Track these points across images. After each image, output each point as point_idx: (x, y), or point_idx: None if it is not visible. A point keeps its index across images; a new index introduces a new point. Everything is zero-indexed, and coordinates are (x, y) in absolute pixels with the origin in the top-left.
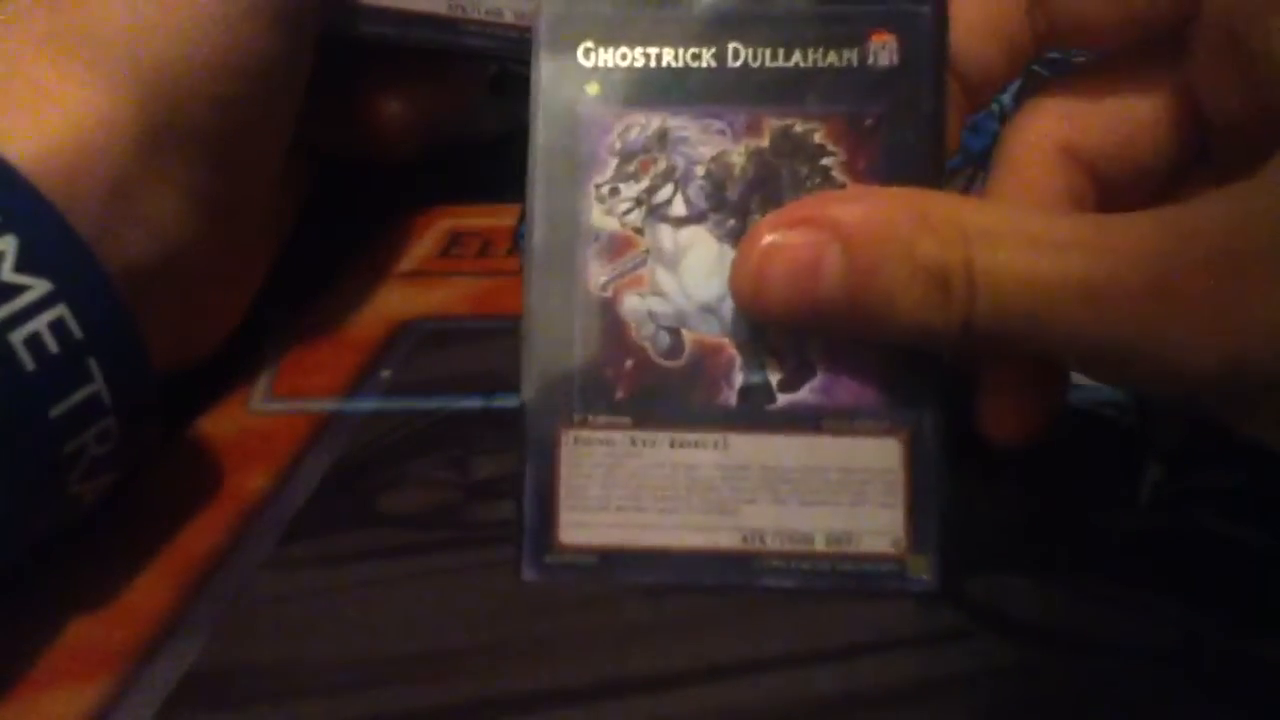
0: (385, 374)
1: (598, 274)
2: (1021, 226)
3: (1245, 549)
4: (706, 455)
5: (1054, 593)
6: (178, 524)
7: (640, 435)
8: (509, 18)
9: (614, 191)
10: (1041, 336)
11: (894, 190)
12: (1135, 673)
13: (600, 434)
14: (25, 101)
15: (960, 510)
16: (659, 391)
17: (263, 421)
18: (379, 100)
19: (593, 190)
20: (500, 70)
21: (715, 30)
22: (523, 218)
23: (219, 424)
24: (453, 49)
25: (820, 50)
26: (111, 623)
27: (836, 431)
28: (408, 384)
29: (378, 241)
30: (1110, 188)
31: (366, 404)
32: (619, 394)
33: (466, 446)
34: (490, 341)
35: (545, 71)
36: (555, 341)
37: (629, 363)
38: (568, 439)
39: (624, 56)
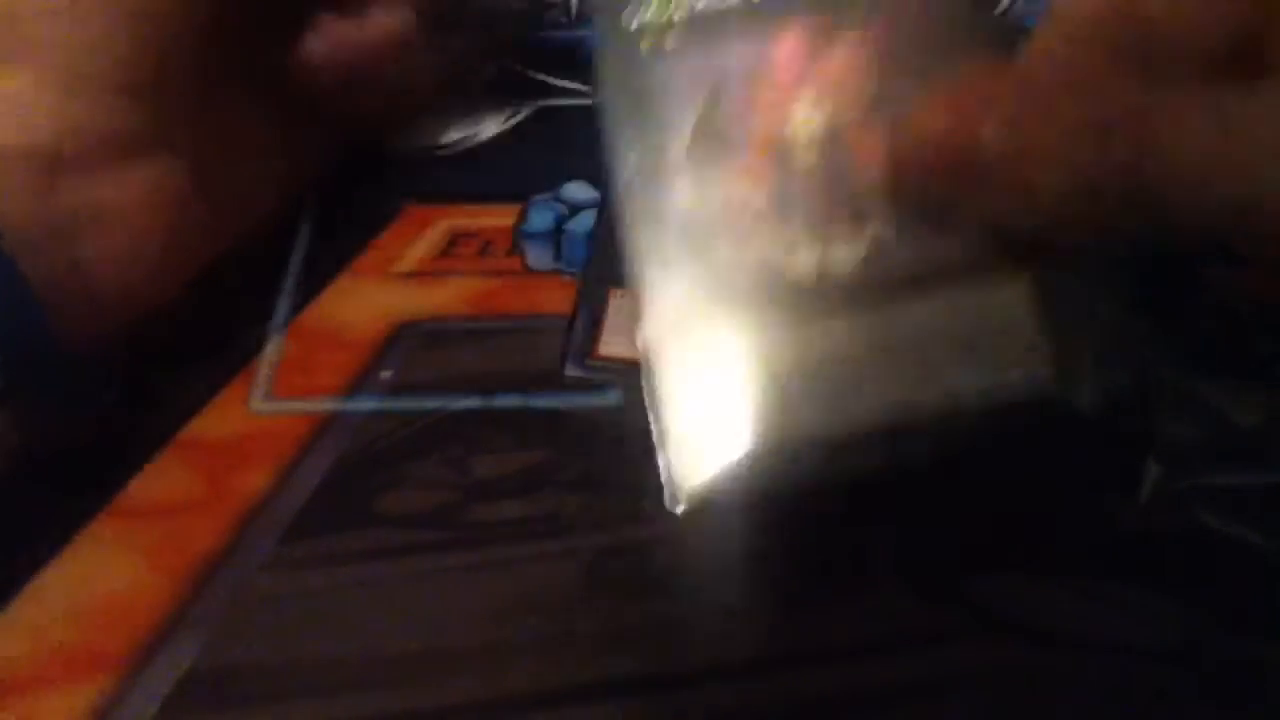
0: (385, 374)
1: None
2: (1187, 93)
3: (1245, 549)
4: (838, 337)
5: (1054, 593)
6: (178, 524)
7: (767, 324)
8: None
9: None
10: (1215, 198)
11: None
12: (1135, 673)
13: (725, 337)
14: None
15: (1107, 340)
16: (771, 288)
17: (263, 421)
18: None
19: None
20: (500, 70)
21: None
22: (523, 216)
23: (219, 424)
24: None
25: None
26: (111, 623)
27: (960, 286)
28: (408, 384)
29: (378, 241)
30: (1161, 57)
31: (366, 404)
32: (741, 292)
33: (466, 446)
34: (490, 341)
35: (603, 41)
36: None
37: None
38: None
39: (664, 7)
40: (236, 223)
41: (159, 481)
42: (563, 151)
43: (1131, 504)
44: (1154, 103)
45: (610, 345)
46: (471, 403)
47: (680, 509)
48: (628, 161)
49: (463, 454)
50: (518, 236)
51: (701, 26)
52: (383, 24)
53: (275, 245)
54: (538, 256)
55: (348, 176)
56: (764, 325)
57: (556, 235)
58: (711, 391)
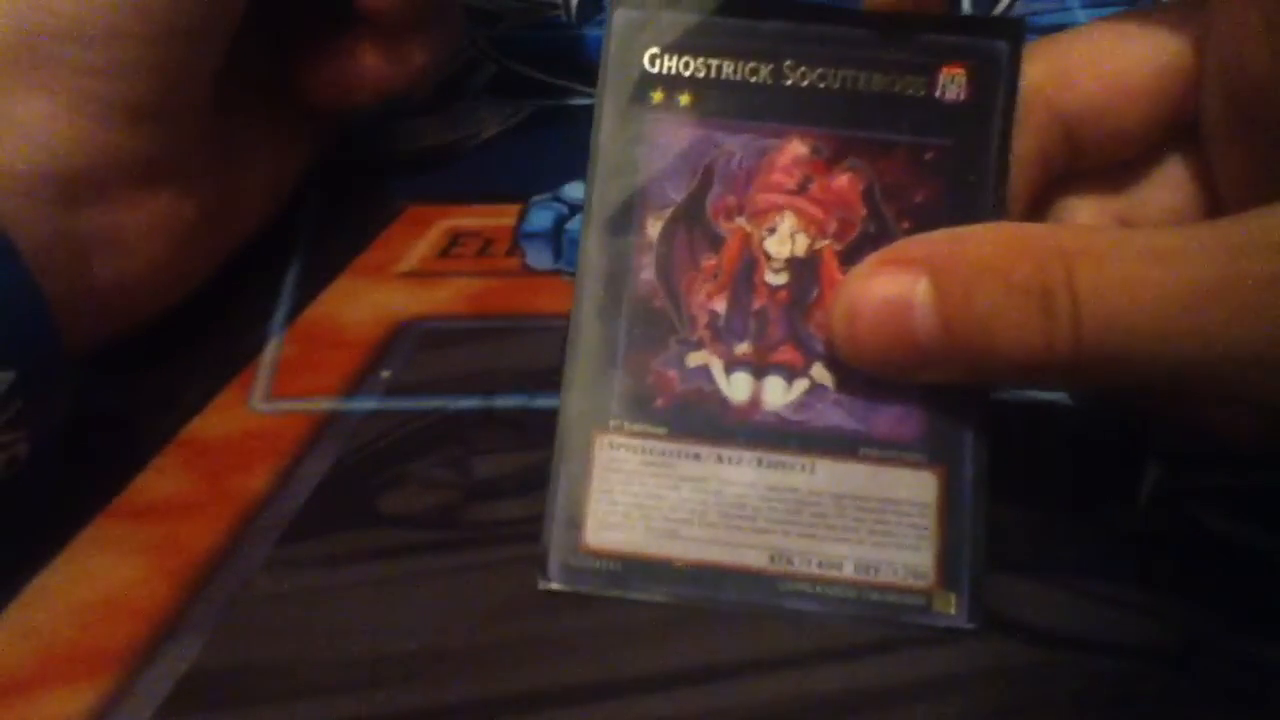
0: (385, 374)
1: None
2: (1120, 240)
3: (1245, 549)
4: (740, 473)
5: (1054, 593)
6: (178, 524)
7: (675, 447)
8: None
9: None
10: (1156, 350)
11: (983, 225)
12: (1135, 673)
13: (636, 441)
14: None
15: (989, 550)
16: (698, 403)
17: (263, 421)
18: (358, 50)
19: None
20: (500, 70)
21: (777, 47)
22: (523, 216)
23: (219, 424)
24: None
25: (886, 77)
26: (111, 623)
27: (874, 460)
28: (408, 384)
29: (378, 241)
30: (1085, 149)
31: (366, 404)
32: (658, 402)
33: (466, 446)
34: (490, 341)
35: (612, 75)
36: (599, 345)
37: (671, 372)
38: (603, 444)
39: (686, 66)
40: (240, 233)
41: (159, 481)
42: (563, 151)
43: (1131, 504)
44: (1083, 242)
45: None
46: (471, 403)
47: (545, 586)
48: (597, 212)
49: (463, 454)
50: (518, 236)
51: (720, 94)
52: (423, 61)
53: (275, 245)
54: (538, 256)
55: (348, 176)
56: (677, 440)
57: (556, 235)
58: (605, 491)
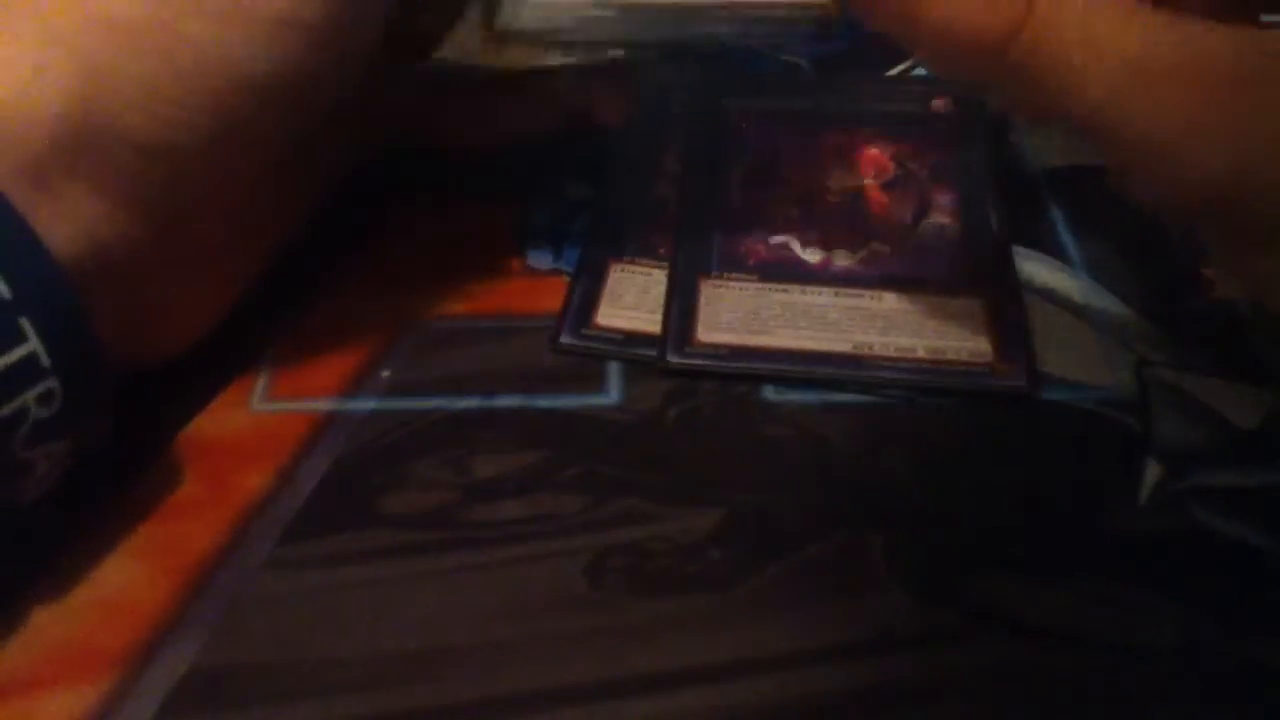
0: (385, 374)
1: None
2: None
3: (1245, 549)
4: (822, 297)
5: (1054, 593)
6: (178, 524)
7: (766, 285)
8: None
9: None
10: (1079, 86)
11: None
12: (1135, 673)
13: (734, 284)
14: None
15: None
16: (782, 262)
17: (263, 421)
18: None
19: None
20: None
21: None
22: (523, 216)
23: (219, 424)
24: None
25: (893, 104)
26: (111, 623)
27: (931, 292)
28: (408, 384)
29: (378, 241)
30: None
31: (366, 404)
32: (750, 261)
33: (466, 446)
34: (490, 341)
35: None
36: (702, 219)
37: (759, 245)
38: (706, 286)
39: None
40: (265, 251)
41: (159, 481)
42: (563, 151)
43: (1131, 504)
44: None
45: (608, 316)
46: (471, 403)
47: (665, 365)
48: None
49: (463, 454)
50: (518, 236)
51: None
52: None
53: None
54: (538, 256)
55: (348, 177)
56: (767, 282)
57: (556, 235)
58: (711, 309)
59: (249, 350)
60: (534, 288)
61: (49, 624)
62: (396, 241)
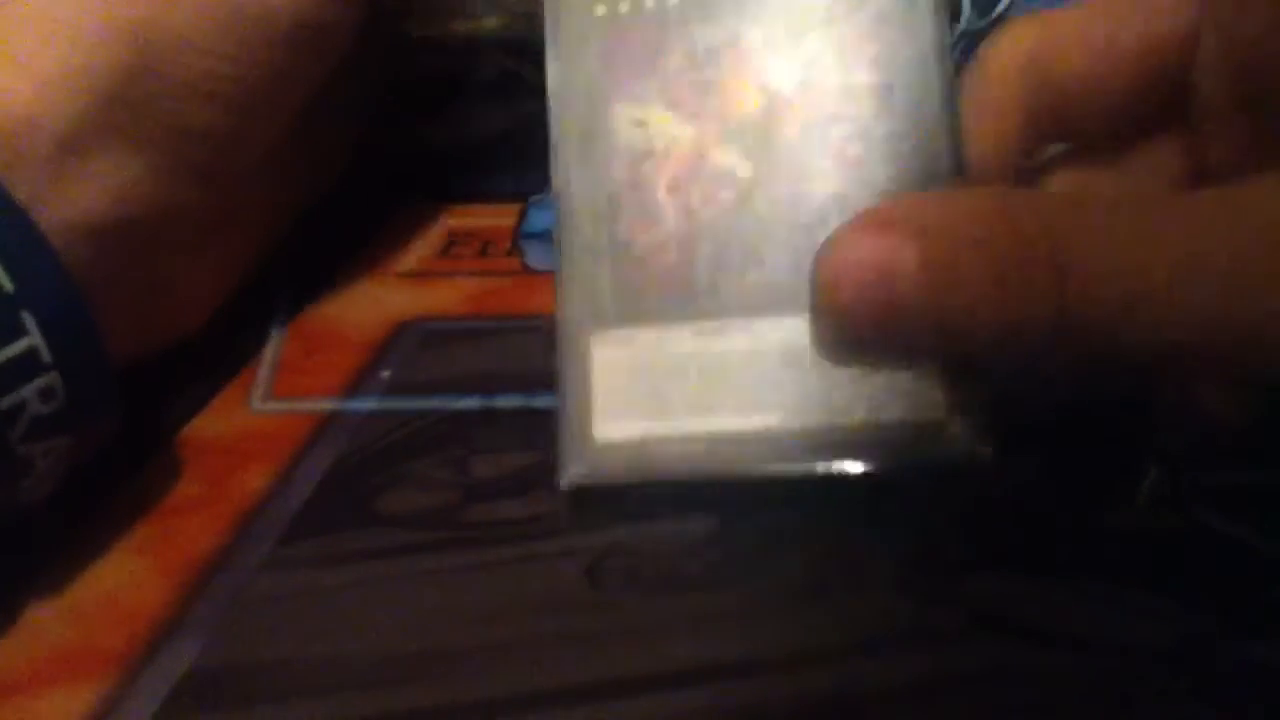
0: (385, 374)
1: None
2: (1111, 209)
3: (1245, 549)
4: (736, 342)
5: (1054, 593)
6: (178, 524)
7: (669, 330)
8: None
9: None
10: (1142, 328)
11: (971, 190)
12: (1135, 673)
13: (630, 333)
14: None
15: (1001, 384)
16: (689, 286)
17: (263, 421)
18: None
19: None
20: (501, 70)
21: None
22: (523, 216)
23: (219, 424)
24: None
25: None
26: (111, 623)
27: None
28: (407, 384)
29: (378, 241)
30: (1073, 120)
31: (366, 404)
32: (649, 294)
33: (466, 446)
34: (490, 341)
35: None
36: (584, 248)
37: (656, 262)
38: (600, 342)
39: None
40: (263, 251)
41: (159, 481)
42: None
43: (1131, 504)
44: (1070, 218)
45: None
46: (471, 403)
47: (564, 485)
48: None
49: (463, 454)
50: (517, 236)
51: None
52: None
53: (275, 246)
54: (538, 256)
55: (348, 177)
56: (671, 323)
57: None
58: (612, 380)
59: (249, 350)
60: (534, 288)
61: (49, 624)
62: (396, 241)
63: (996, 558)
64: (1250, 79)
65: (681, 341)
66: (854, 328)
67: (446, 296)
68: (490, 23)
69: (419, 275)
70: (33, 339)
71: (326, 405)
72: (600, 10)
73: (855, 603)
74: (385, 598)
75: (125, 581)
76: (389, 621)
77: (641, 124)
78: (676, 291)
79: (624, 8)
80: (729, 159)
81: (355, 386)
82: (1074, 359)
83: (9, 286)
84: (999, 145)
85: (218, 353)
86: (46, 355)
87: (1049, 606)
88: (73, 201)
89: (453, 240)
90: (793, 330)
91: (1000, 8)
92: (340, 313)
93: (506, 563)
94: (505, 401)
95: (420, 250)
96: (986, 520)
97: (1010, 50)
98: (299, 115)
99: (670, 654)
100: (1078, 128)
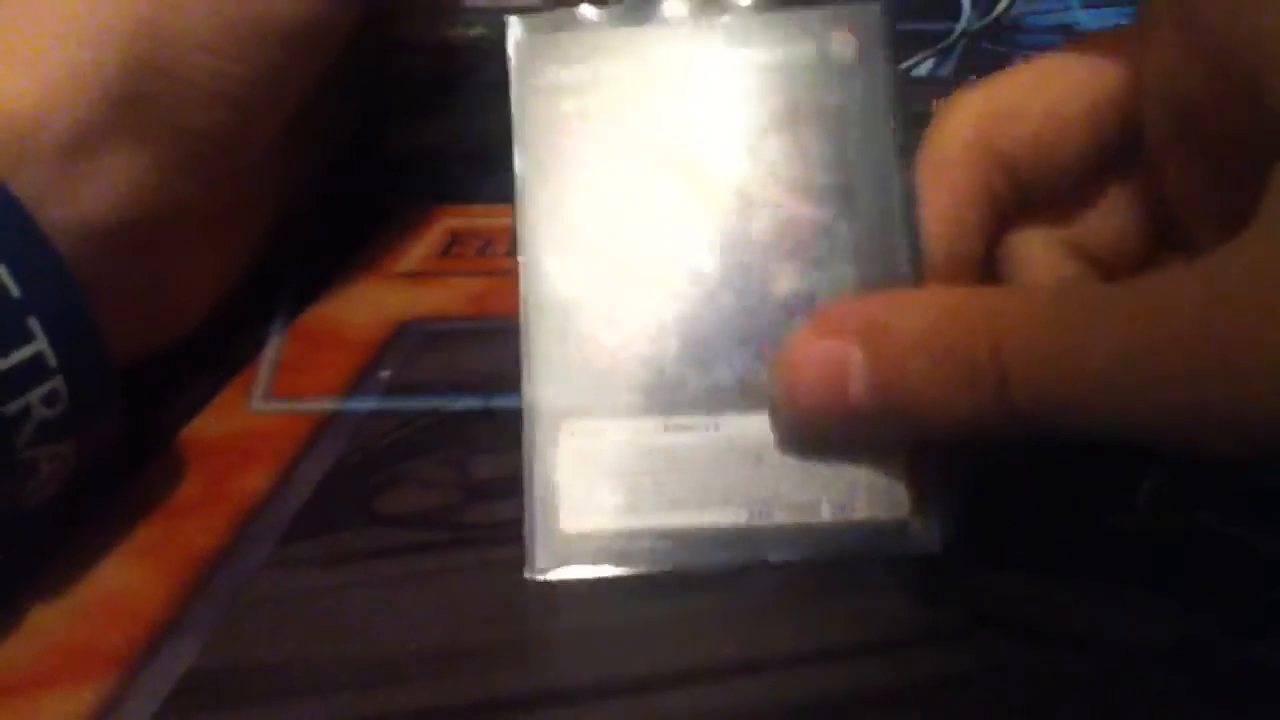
0: (385, 374)
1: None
2: (1053, 302)
3: (1245, 549)
4: (703, 437)
5: (1054, 593)
6: (178, 524)
7: (638, 423)
8: None
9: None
10: (1090, 415)
11: (921, 292)
12: (1135, 673)
13: (599, 424)
14: None
15: (965, 475)
16: (657, 380)
17: (263, 421)
18: None
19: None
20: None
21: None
22: None
23: (219, 424)
24: None
25: (779, 48)
26: (111, 623)
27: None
28: (407, 384)
29: (378, 241)
30: (1029, 187)
31: (366, 404)
32: (618, 387)
33: (466, 446)
34: (490, 341)
35: (521, 92)
36: (553, 338)
37: (624, 354)
38: (567, 432)
39: (589, 74)
40: (259, 249)
41: (159, 481)
42: None
43: (1131, 504)
44: (1013, 313)
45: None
46: (471, 403)
47: (534, 577)
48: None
49: (462, 454)
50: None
51: (621, 94)
52: None
53: (275, 246)
54: None
55: (348, 177)
56: (640, 417)
57: None
58: (580, 472)
59: (249, 350)
60: None
61: (49, 624)
62: (396, 241)
63: (997, 558)
64: (1188, 132)
65: (650, 435)
66: (810, 425)
67: (446, 296)
68: (478, 30)
69: (419, 275)
70: (39, 344)
71: (326, 405)
72: (567, 106)
73: (855, 603)
74: (385, 598)
75: (125, 582)
76: (389, 621)
77: (607, 218)
78: (644, 385)
79: (591, 104)
80: (695, 256)
81: (355, 387)
82: (1032, 437)
83: (15, 292)
84: (960, 227)
85: (217, 353)
86: (52, 360)
87: (1049, 606)
88: (78, 201)
89: (453, 240)
90: (759, 427)
91: (1000, 8)
92: (340, 313)
93: (505, 563)
94: (505, 401)
95: (420, 250)
96: (986, 520)
97: (957, 130)
98: (297, 114)
99: (670, 654)
100: (1035, 194)
